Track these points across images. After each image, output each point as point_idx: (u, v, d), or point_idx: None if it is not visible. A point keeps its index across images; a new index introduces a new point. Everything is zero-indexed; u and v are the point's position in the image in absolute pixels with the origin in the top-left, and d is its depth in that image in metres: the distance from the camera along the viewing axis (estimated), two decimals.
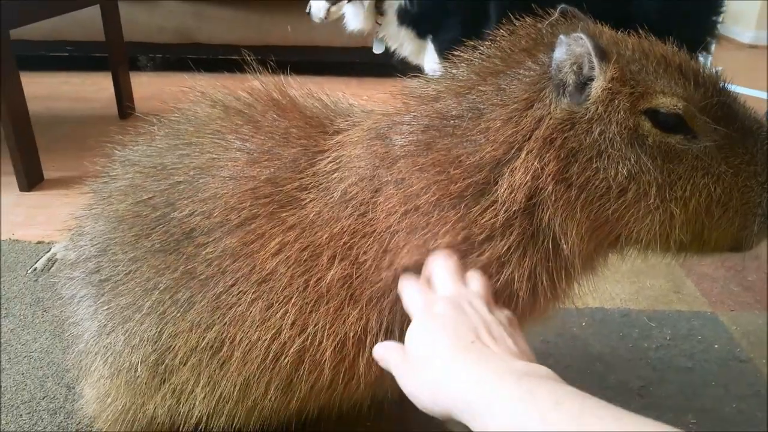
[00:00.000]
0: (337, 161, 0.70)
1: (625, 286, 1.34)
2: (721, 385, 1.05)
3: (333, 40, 2.77)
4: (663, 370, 1.09)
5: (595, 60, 0.60)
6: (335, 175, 0.70)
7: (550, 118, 0.62)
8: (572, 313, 1.22)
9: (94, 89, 2.59)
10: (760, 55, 3.66)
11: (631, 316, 1.23)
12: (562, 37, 0.61)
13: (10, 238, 1.46)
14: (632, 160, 0.60)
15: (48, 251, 1.40)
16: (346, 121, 0.75)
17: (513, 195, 0.62)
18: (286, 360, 0.69)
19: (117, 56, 2.22)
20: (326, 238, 0.67)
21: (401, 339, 0.69)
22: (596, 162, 0.61)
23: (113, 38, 2.20)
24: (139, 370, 0.73)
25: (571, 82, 0.62)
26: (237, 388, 0.71)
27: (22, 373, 1.04)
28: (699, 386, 1.05)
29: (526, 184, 0.62)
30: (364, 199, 0.67)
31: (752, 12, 3.83)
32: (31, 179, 1.72)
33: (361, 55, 2.82)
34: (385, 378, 0.73)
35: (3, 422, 0.95)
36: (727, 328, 1.21)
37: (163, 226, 0.71)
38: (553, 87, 0.63)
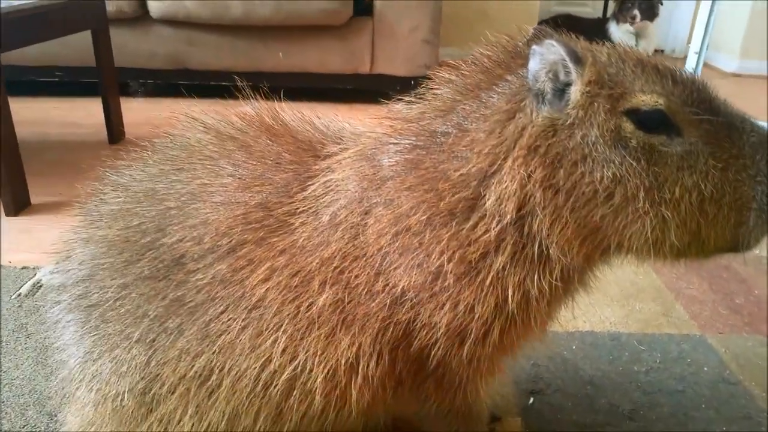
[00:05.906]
0: (326, 185, 0.71)
1: (615, 309, 1.34)
2: (711, 407, 1.05)
3: (324, 66, 2.79)
4: (653, 393, 1.08)
5: (570, 65, 0.61)
6: (324, 198, 0.70)
7: (533, 126, 0.62)
8: (563, 336, 1.22)
9: (83, 115, 2.58)
10: (743, 83, 3.73)
11: (621, 340, 1.23)
12: (534, 47, 0.62)
13: None
14: (616, 162, 0.60)
15: (33, 276, 1.38)
16: (337, 144, 0.75)
17: (502, 206, 0.62)
18: (276, 389, 0.68)
19: (107, 82, 2.22)
20: (317, 263, 0.67)
21: (392, 365, 0.69)
22: (581, 166, 0.61)
23: (104, 63, 2.20)
24: (125, 398, 0.71)
25: (549, 90, 0.62)
26: (225, 417, 0.70)
27: (2, 401, 1.02)
28: (690, 409, 1.05)
29: (514, 193, 0.62)
30: (353, 222, 0.67)
31: (736, 41, 3.90)
32: (17, 204, 1.71)
33: (352, 81, 2.85)
34: (377, 406, 0.73)
35: None
36: (716, 350, 1.21)
37: (153, 252, 0.71)
38: (532, 97, 0.63)
